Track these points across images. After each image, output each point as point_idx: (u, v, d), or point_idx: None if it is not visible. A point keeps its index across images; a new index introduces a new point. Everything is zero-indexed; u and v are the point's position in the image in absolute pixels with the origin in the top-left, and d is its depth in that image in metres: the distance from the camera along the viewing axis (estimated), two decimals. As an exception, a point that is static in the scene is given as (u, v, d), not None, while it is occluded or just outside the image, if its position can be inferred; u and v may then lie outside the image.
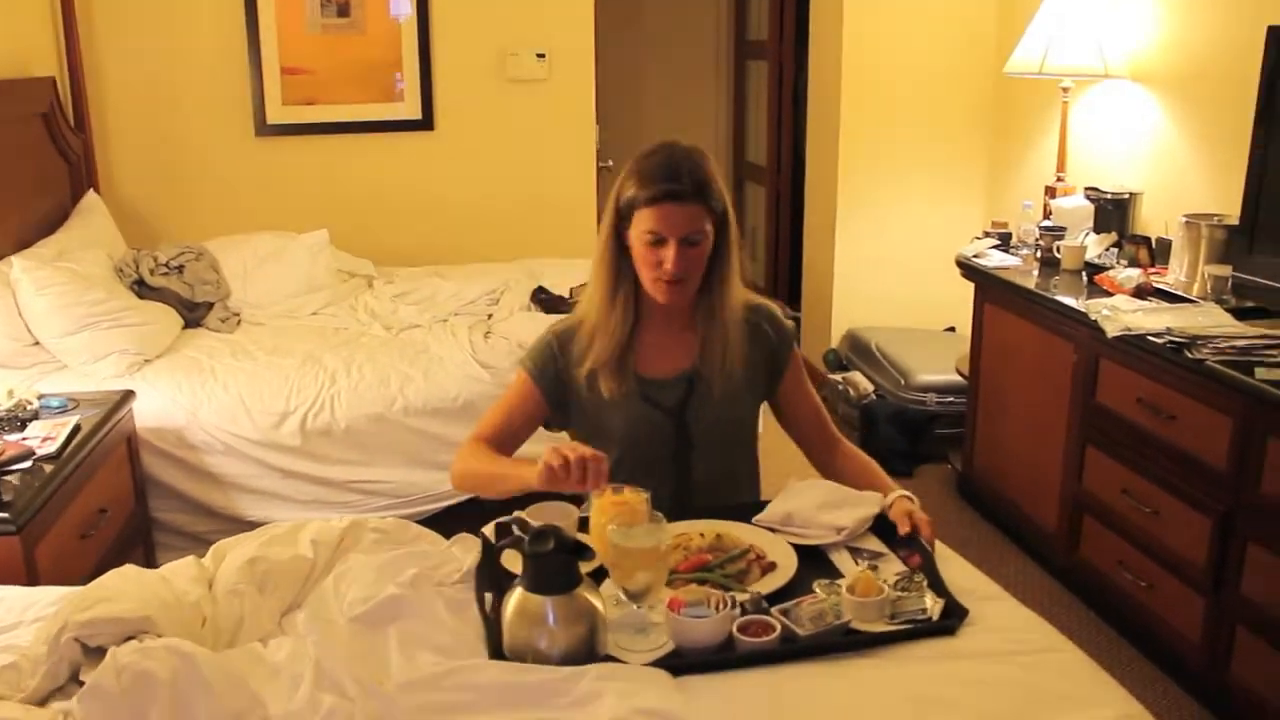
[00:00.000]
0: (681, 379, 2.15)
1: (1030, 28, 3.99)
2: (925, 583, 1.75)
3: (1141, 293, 3.21)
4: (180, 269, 4.01)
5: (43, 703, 1.58)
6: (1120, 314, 3.02)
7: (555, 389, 2.17)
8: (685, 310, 2.15)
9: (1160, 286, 3.24)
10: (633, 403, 2.13)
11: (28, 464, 2.61)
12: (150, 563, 3.25)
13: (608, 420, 2.13)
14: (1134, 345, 2.90)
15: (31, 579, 2.38)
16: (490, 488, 2.07)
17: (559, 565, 1.56)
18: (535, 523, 1.67)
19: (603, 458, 1.81)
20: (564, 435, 2.26)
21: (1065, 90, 4.02)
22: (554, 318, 2.63)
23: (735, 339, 2.14)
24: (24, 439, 2.74)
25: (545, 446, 1.85)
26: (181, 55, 4.66)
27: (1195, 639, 2.77)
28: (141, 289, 3.89)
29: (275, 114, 4.78)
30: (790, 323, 2.27)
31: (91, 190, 4.35)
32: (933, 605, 1.69)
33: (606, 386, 2.12)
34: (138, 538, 3.21)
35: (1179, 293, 3.17)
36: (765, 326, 2.20)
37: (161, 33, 4.62)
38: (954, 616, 1.68)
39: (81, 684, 1.55)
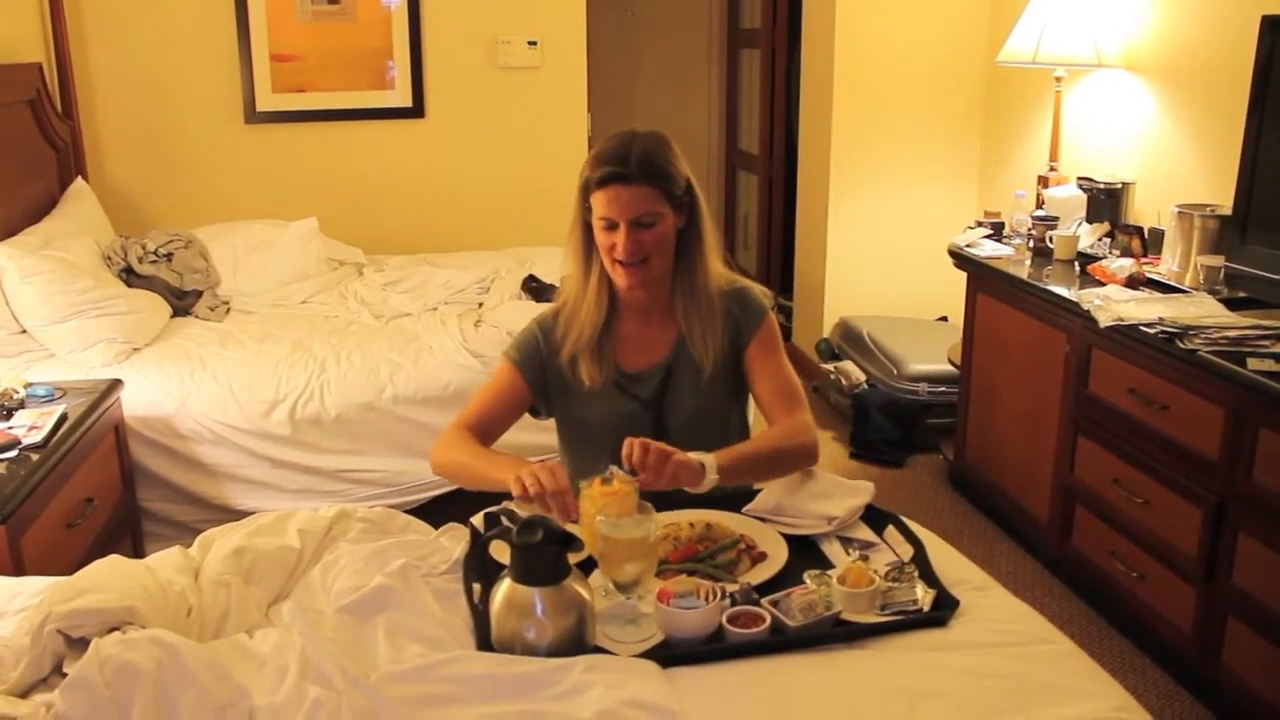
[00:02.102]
0: (658, 370, 2.17)
1: (1023, 17, 3.97)
2: (916, 573, 1.74)
3: (1134, 283, 3.20)
4: (169, 257, 3.99)
5: (25, 694, 1.56)
6: (1112, 304, 3.01)
7: (539, 378, 2.18)
8: (663, 301, 2.16)
9: (1153, 276, 3.23)
10: (611, 394, 2.15)
11: (14, 453, 2.60)
12: (138, 552, 3.23)
13: (587, 411, 2.15)
14: (1126, 335, 2.89)
15: (17, 569, 2.37)
16: (468, 481, 2.09)
17: (547, 556, 1.55)
18: (524, 513, 1.66)
19: (568, 491, 1.82)
20: (551, 424, 2.27)
21: (1058, 79, 4.00)
22: (544, 306, 2.63)
23: (713, 326, 2.14)
24: (10, 428, 2.72)
25: (520, 470, 1.88)
26: (170, 41, 4.63)
27: (1187, 629, 2.76)
28: (130, 277, 3.87)
29: (265, 101, 4.75)
30: (764, 298, 2.22)
31: (79, 177, 4.31)
32: (924, 596, 1.69)
33: (587, 373, 2.14)
34: (125, 527, 3.19)
35: (1171, 283, 3.16)
36: (734, 309, 2.19)
37: (150, 18, 4.59)
38: (945, 607, 1.68)
39: (65, 676, 1.53)
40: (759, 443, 2.09)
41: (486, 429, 2.14)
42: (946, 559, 1.86)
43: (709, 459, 1.88)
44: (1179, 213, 3.18)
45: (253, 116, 4.76)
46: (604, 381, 2.15)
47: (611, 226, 2.05)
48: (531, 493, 1.83)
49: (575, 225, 2.15)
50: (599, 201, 2.05)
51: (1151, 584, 2.91)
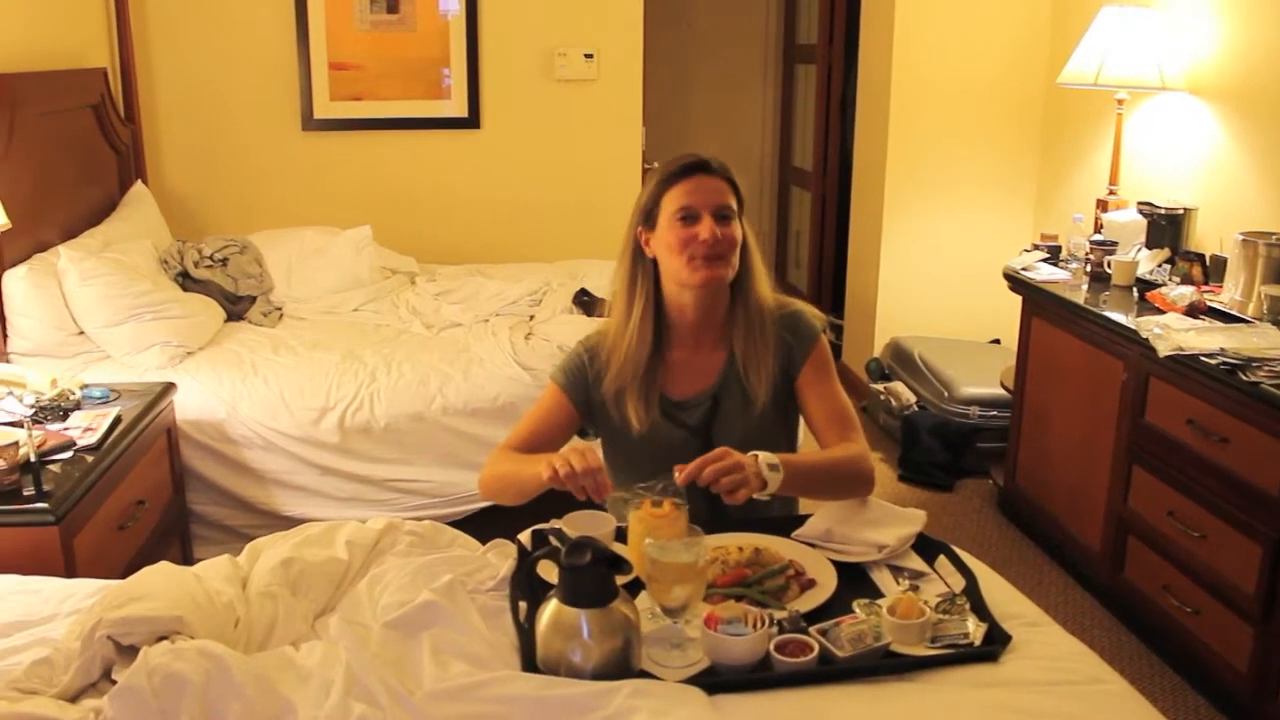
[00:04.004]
0: (705, 398, 2.15)
1: (1085, 38, 3.92)
2: (968, 606, 1.71)
3: (1194, 311, 3.14)
4: (224, 262, 4.03)
5: (75, 699, 1.58)
6: (1172, 333, 2.95)
7: (586, 400, 2.17)
8: (715, 325, 2.15)
9: (1214, 305, 3.17)
10: (657, 422, 2.13)
11: (69, 454, 2.63)
12: (187, 555, 3.27)
13: (633, 437, 2.12)
14: (1186, 365, 2.83)
15: (69, 570, 2.39)
16: (511, 489, 2.06)
17: (595, 578, 1.54)
18: (572, 533, 1.65)
19: (601, 470, 1.82)
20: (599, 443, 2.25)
21: (1120, 102, 3.94)
22: (594, 321, 2.62)
23: (766, 352, 2.12)
24: (66, 429, 2.75)
25: (552, 458, 1.86)
26: (231, 49, 4.70)
27: (1243, 669, 2.70)
28: (185, 281, 3.91)
29: (322, 109, 4.80)
30: (817, 320, 2.19)
31: (139, 181, 4.38)
32: (975, 630, 1.66)
33: (632, 406, 2.12)
34: (175, 530, 3.23)
35: (1233, 312, 3.10)
36: (786, 335, 2.16)
37: (212, 26, 4.66)
38: (997, 642, 1.64)
39: (114, 681, 1.54)
40: (820, 456, 2.05)
41: (534, 450, 2.11)
42: (999, 591, 1.83)
43: (774, 480, 1.84)
44: (1243, 240, 3.12)
45: (310, 124, 4.81)
46: (649, 411, 2.12)
47: (691, 217, 2.03)
48: (562, 474, 1.81)
49: (625, 250, 2.13)
50: (678, 194, 2.03)
51: (1207, 620, 2.84)
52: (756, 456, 1.85)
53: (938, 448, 4.35)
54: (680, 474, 1.79)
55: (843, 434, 2.08)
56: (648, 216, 2.09)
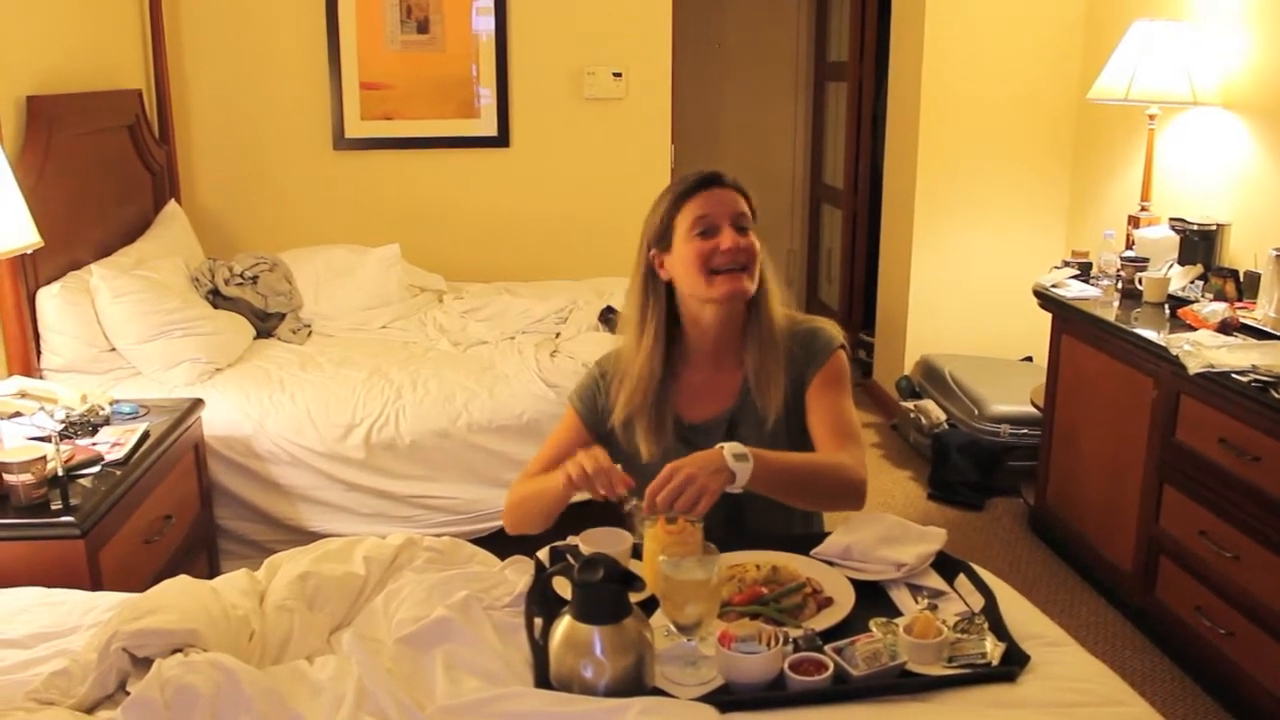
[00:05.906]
0: (721, 421, 2.11)
1: (1116, 53, 3.89)
2: (986, 625, 1.69)
3: (1227, 328, 3.10)
4: (254, 279, 4.07)
5: (91, 710, 1.59)
6: (1203, 350, 2.91)
7: (600, 423, 2.16)
8: (732, 344, 2.11)
9: (1247, 322, 3.13)
10: (672, 446, 2.08)
11: (96, 469, 2.66)
12: (213, 570, 3.29)
13: (647, 462, 2.09)
14: (1217, 383, 2.79)
15: (95, 583, 2.41)
16: (534, 511, 2.04)
17: (608, 595, 1.53)
18: (588, 550, 1.64)
19: (612, 468, 1.82)
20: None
21: (1152, 117, 3.91)
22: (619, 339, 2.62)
23: (777, 370, 2.08)
24: (94, 444, 2.78)
25: (565, 465, 1.86)
26: (264, 70, 4.75)
27: (1277, 692, 2.64)
28: (216, 298, 3.95)
29: (353, 128, 4.84)
30: (835, 337, 2.12)
31: (173, 200, 4.43)
32: (993, 650, 1.63)
33: (642, 436, 2.09)
34: (201, 544, 3.25)
35: (1267, 329, 3.06)
36: (797, 350, 2.10)
37: (245, 48, 4.72)
38: (1015, 662, 1.62)
39: (129, 694, 1.55)
40: (800, 456, 1.99)
41: None
42: (1019, 611, 1.80)
43: (743, 470, 1.79)
44: (1277, 256, 3.07)
45: (341, 143, 4.85)
46: (663, 435, 2.09)
47: (710, 230, 2.00)
48: (576, 477, 1.81)
49: (637, 274, 2.11)
50: (694, 207, 2.01)
51: (1240, 642, 2.79)
52: (722, 449, 1.80)
53: (968, 466, 4.31)
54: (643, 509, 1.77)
55: (839, 445, 2.01)
56: (661, 238, 2.06)
